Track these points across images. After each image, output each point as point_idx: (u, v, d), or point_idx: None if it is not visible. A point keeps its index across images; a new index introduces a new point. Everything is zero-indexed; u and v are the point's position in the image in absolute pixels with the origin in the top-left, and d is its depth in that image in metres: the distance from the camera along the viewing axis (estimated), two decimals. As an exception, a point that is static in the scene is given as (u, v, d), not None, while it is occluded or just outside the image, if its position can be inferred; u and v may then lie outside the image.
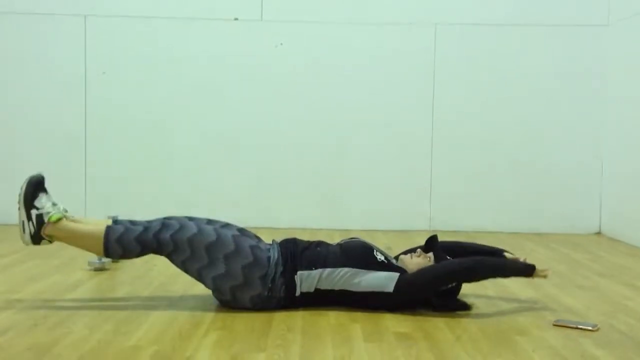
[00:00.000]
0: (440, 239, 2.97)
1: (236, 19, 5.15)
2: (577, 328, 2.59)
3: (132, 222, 2.83)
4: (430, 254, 2.89)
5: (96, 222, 2.86)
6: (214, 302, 2.89)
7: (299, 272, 2.76)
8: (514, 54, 5.28)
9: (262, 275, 2.72)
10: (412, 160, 5.30)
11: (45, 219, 2.76)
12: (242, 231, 2.87)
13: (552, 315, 2.79)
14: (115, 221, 2.84)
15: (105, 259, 3.55)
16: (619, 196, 5.03)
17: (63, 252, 4.04)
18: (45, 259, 3.80)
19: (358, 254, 2.79)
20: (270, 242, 2.90)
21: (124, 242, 2.75)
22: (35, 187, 2.80)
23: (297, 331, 2.50)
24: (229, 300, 2.77)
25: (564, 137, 5.29)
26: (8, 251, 4.01)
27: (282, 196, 5.28)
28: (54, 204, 2.79)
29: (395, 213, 5.25)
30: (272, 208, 5.28)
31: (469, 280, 2.86)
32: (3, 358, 2.13)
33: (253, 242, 2.81)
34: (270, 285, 2.73)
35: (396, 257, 2.99)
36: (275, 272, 2.74)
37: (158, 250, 2.79)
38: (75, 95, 5.24)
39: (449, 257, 2.88)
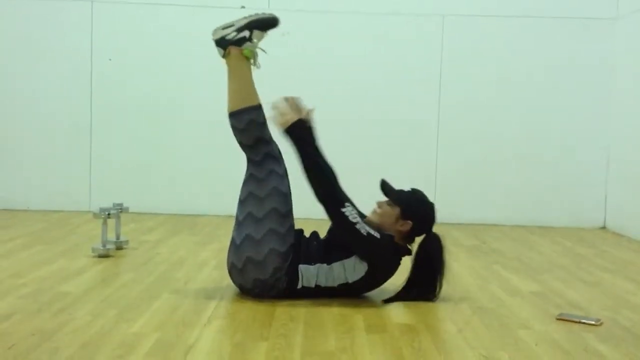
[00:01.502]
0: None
1: (243, 7, 5.13)
2: (580, 322, 2.59)
3: (268, 125, 2.84)
4: (386, 200, 2.88)
5: (256, 91, 2.87)
6: (217, 290, 2.89)
7: (300, 266, 2.75)
8: (522, 46, 5.26)
9: (277, 267, 2.72)
10: (417, 152, 5.29)
11: (242, 46, 2.83)
12: (293, 227, 2.83)
13: (555, 309, 2.78)
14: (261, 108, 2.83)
15: (109, 246, 3.56)
16: (624, 191, 5.01)
17: (68, 238, 4.05)
18: (50, 244, 3.82)
19: (341, 244, 2.77)
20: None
21: (250, 127, 2.80)
22: (269, 25, 2.89)
23: (300, 321, 2.50)
24: (239, 270, 2.75)
25: (570, 131, 5.27)
26: (13, 237, 4.02)
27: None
28: (257, 49, 2.86)
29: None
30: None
31: (313, 189, 2.73)
32: (7, 343, 2.14)
33: (293, 240, 2.78)
34: (277, 276, 2.73)
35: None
36: (286, 267, 2.74)
37: (252, 163, 2.81)
38: (81, 82, 5.23)
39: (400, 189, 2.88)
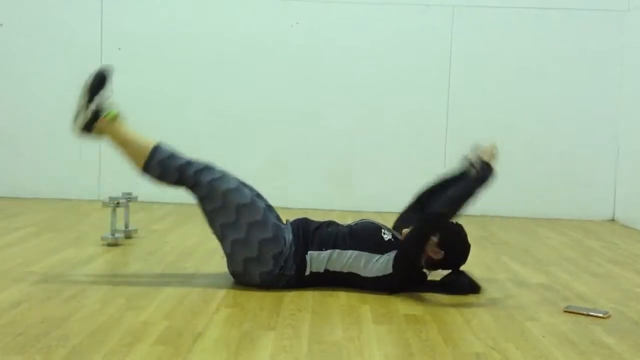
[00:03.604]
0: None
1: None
2: (587, 315, 2.58)
3: (177, 152, 2.86)
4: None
5: (145, 137, 2.89)
6: (226, 279, 2.91)
7: (309, 252, 2.77)
8: (532, 37, 5.23)
9: (276, 254, 2.73)
10: (426, 143, 5.28)
11: (102, 114, 2.84)
12: (269, 207, 2.88)
13: (562, 301, 2.78)
14: (159, 145, 2.86)
15: (118, 234, 3.57)
16: (634, 183, 4.99)
17: (77, 226, 4.07)
18: (59, 233, 3.84)
19: (366, 235, 2.80)
20: (285, 222, 2.91)
21: (165, 166, 2.81)
22: (102, 80, 2.89)
23: (307, 311, 2.51)
24: (241, 273, 2.78)
25: (579, 123, 5.25)
26: (23, 225, 4.04)
27: (295, 176, 5.28)
28: (111, 105, 2.87)
29: (409, 196, 5.23)
30: (285, 188, 5.28)
31: (446, 218, 2.77)
32: (17, 330, 2.16)
33: (276, 220, 2.83)
34: (282, 264, 2.74)
35: (397, 230, 2.97)
36: (289, 252, 2.75)
37: (192, 189, 2.83)
38: (90, 70, 5.22)
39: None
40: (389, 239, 2.80)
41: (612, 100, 5.22)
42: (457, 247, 2.87)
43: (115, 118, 2.86)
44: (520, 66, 5.24)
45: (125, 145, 2.87)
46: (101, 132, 2.87)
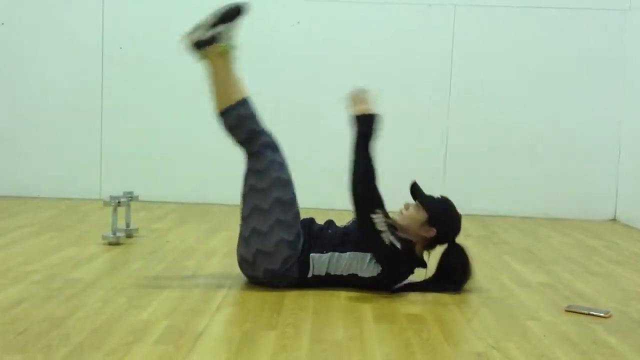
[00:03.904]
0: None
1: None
2: (589, 314, 2.58)
3: (259, 116, 2.84)
4: (417, 202, 2.87)
5: (240, 86, 2.86)
6: (227, 278, 2.91)
7: (311, 255, 2.76)
8: (533, 36, 5.22)
9: (287, 257, 2.72)
10: (426, 142, 5.27)
11: (217, 42, 2.80)
12: (299, 214, 2.84)
13: (564, 301, 2.78)
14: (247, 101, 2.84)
15: (119, 233, 3.58)
16: (635, 183, 4.99)
17: (78, 225, 4.07)
18: (60, 232, 3.84)
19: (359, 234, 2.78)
20: None
21: (241, 122, 2.79)
22: (236, 13, 2.85)
23: (309, 310, 2.51)
24: (248, 262, 2.75)
25: (581, 122, 5.24)
26: (24, 224, 4.04)
27: (295, 175, 5.26)
28: (231, 40, 2.83)
29: (409, 195, 5.23)
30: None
31: (359, 190, 2.74)
32: (18, 329, 2.16)
33: (301, 228, 2.80)
34: (288, 266, 2.74)
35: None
36: (297, 256, 2.74)
37: (250, 157, 2.80)
38: (92, 71, 5.24)
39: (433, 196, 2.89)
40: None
41: (613, 99, 5.22)
42: (447, 220, 2.85)
43: (227, 52, 2.82)
44: (521, 65, 5.23)
45: (220, 82, 2.83)
46: (206, 57, 2.82)
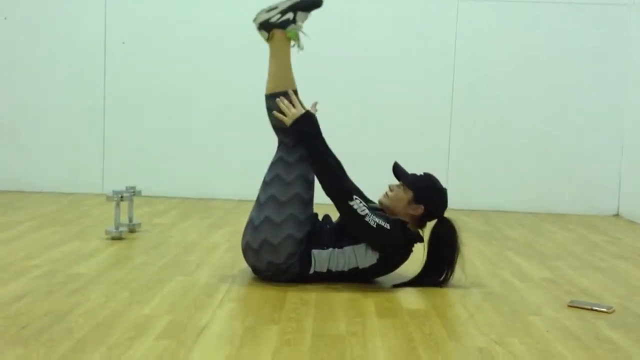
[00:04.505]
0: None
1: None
2: (591, 309, 2.58)
3: None
4: (401, 182, 2.87)
5: (293, 77, 2.90)
6: (229, 273, 2.91)
7: (313, 251, 2.76)
8: (537, 31, 5.21)
9: (291, 253, 2.72)
10: (430, 137, 5.27)
11: (286, 28, 2.82)
12: (312, 216, 2.84)
13: (567, 296, 2.78)
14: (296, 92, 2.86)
15: (122, 228, 3.58)
16: (639, 178, 4.98)
17: (81, 220, 4.08)
18: (63, 226, 3.84)
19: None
20: None
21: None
22: (313, 5, 2.91)
23: (311, 305, 2.51)
24: (253, 250, 2.75)
25: (584, 118, 5.23)
26: (27, 218, 4.05)
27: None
28: (301, 31, 2.86)
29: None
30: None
31: (329, 185, 2.74)
32: (21, 323, 2.16)
33: (310, 228, 2.79)
34: (290, 261, 2.73)
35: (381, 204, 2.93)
36: (300, 253, 2.74)
37: (284, 147, 2.82)
38: (94, 66, 5.24)
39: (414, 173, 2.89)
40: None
41: (616, 95, 5.20)
42: (433, 196, 2.85)
43: (293, 38, 2.83)
44: (525, 60, 5.22)
45: (278, 65, 2.86)
46: (272, 38, 2.85)
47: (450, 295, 2.73)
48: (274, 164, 2.82)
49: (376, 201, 2.91)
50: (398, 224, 2.74)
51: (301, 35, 2.87)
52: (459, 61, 5.23)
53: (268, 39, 2.87)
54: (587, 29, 5.19)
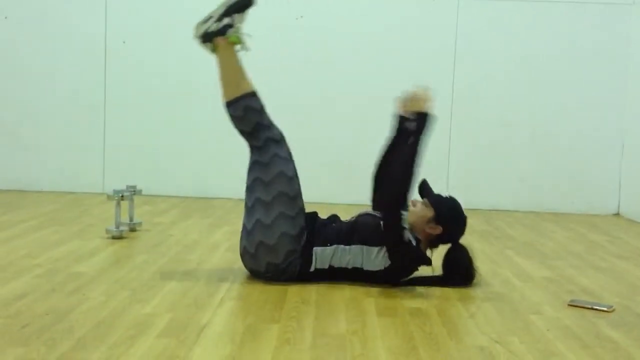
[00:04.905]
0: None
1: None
2: (592, 309, 2.58)
3: (266, 111, 2.87)
4: (425, 200, 2.88)
5: (250, 79, 2.89)
6: (230, 272, 2.91)
7: (314, 248, 2.76)
8: (537, 30, 5.20)
9: (290, 251, 2.73)
10: (430, 137, 5.25)
11: (227, 33, 2.82)
12: (303, 210, 2.84)
13: (567, 295, 2.78)
14: (256, 94, 2.87)
15: (122, 227, 3.58)
16: (639, 177, 4.98)
17: (82, 219, 4.08)
18: (63, 225, 3.84)
19: (367, 228, 2.78)
20: None
21: (248, 113, 2.81)
22: (246, 5, 2.86)
23: (312, 304, 2.51)
24: (251, 254, 2.76)
25: (584, 117, 5.23)
26: (27, 217, 4.05)
27: (299, 169, 5.26)
28: (239, 32, 2.85)
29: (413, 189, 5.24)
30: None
31: (401, 194, 2.69)
32: (21, 322, 2.16)
33: (304, 222, 2.80)
34: (290, 261, 2.74)
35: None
36: (300, 251, 2.75)
37: (255, 150, 2.82)
38: (95, 64, 5.24)
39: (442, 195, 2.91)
40: None
41: (617, 94, 5.20)
42: (453, 219, 2.85)
43: (236, 43, 2.83)
44: (525, 60, 5.22)
45: (229, 72, 2.85)
46: (216, 48, 2.84)
47: (450, 294, 2.73)
48: (251, 169, 2.83)
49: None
50: (417, 242, 2.77)
51: (244, 36, 2.86)
52: (459, 61, 5.23)
53: (213, 50, 2.86)
54: (587, 29, 5.19)
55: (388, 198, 2.73)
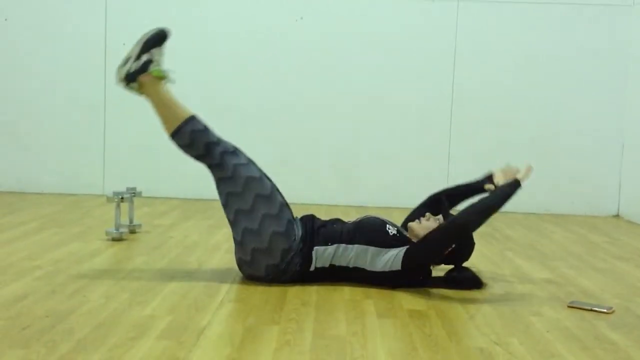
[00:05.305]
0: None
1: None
2: (591, 310, 2.58)
3: (211, 129, 2.87)
4: (439, 216, 2.88)
5: (184, 106, 2.88)
6: (230, 274, 2.91)
7: (315, 248, 2.77)
8: (537, 32, 5.21)
9: (285, 249, 2.73)
10: (430, 138, 5.27)
11: (149, 69, 2.82)
12: (286, 203, 2.87)
13: (567, 296, 2.78)
14: (195, 117, 2.86)
15: (122, 229, 3.58)
16: (639, 179, 4.98)
17: (82, 221, 4.08)
18: (63, 227, 3.84)
19: (371, 229, 2.79)
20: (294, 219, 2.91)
21: (195, 137, 2.80)
22: (161, 38, 2.89)
23: (311, 305, 2.51)
24: (248, 262, 2.77)
25: (584, 118, 5.23)
26: (28, 219, 4.05)
27: (298, 171, 5.28)
28: (161, 65, 2.86)
29: (412, 191, 5.23)
30: (288, 183, 5.26)
31: (467, 232, 2.79)
32: (22, 324, 2.17)
33: (290, 217, 2.82)
34: (289, 260, 2.74)
35: (405, 226, 2.98)
36: (297, 249, 2.75)
37: (214, 167, 2.83)
38: (95, 66, 5.24)
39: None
40: (394, 234, 2.79)
41: (617, 95, 5.20)
42: (464, 242, 2.86)
43: (161, 77, 2.84)
44: (525, 60, 5.22)
45: (162, 106, 2.85)
46: (142, 87, 2.84)
47: (450, 295, 2.73)
48: (218, 187, 2.84)
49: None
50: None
51: (165, 69, 2.87)
52: (459, 61, 5.23)
53: (139, 89, 2.86)
54: (587, 29, 5.19)
55: (473, 225, 2.75)
